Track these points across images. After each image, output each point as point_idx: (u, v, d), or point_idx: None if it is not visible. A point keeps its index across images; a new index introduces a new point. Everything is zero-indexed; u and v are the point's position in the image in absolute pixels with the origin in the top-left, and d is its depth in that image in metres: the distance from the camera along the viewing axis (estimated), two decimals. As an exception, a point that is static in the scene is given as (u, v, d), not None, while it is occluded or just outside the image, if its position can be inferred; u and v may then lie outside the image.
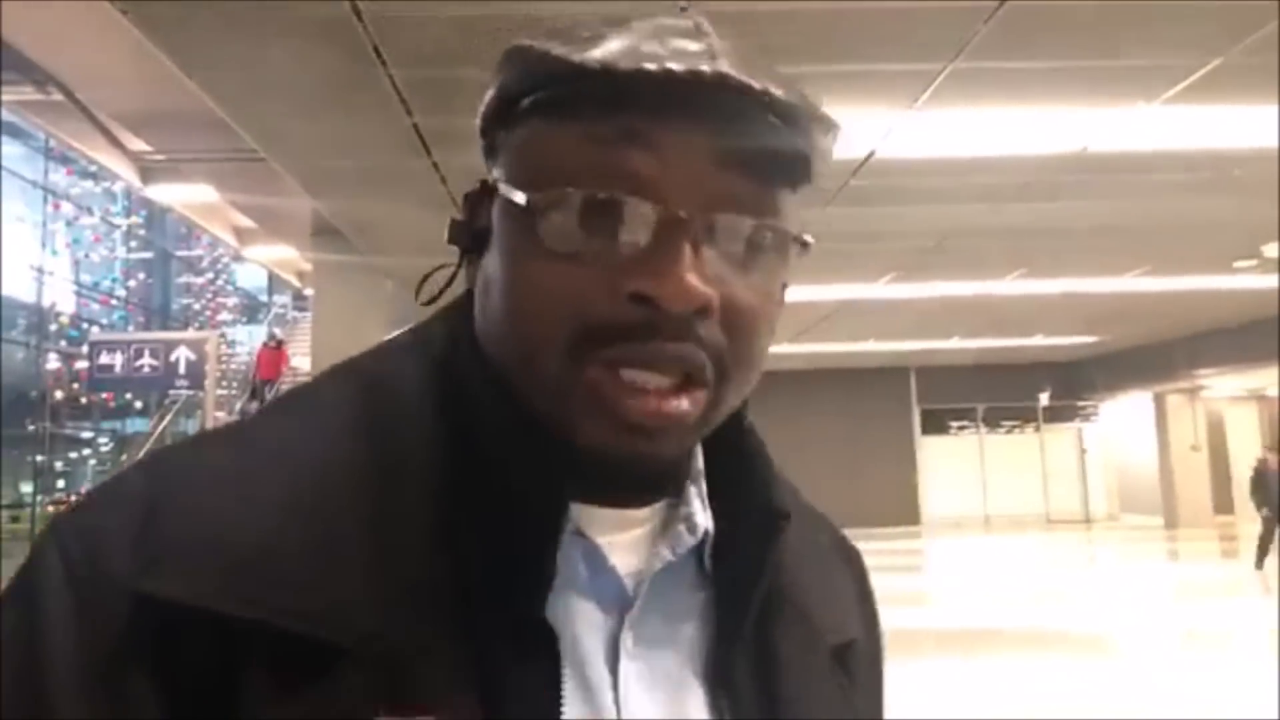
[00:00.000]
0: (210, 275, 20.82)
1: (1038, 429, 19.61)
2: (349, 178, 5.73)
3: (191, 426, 15.84)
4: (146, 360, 11.72)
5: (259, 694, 0.44)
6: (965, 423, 19.41)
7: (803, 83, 0.53)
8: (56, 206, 15.84)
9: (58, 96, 6.54)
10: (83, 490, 16.69)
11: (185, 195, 9.38)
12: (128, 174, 8.97)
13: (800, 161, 0.51)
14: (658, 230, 0.48)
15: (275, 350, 13.94)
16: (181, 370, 11.80)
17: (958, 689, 6.17)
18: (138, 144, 7.28)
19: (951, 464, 18.94)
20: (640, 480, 0.54)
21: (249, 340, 21.05)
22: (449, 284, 0.59)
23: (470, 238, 0.56)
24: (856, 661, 0.61)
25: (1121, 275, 9.23)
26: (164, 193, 9.40)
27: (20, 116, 8.35)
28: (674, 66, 0.47)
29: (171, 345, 12.03)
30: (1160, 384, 16.79)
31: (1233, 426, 19.64)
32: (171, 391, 13.64)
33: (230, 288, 21.64)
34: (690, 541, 0.54)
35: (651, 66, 0.47)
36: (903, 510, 17.86)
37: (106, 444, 18.23)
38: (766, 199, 0.50)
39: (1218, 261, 8.59)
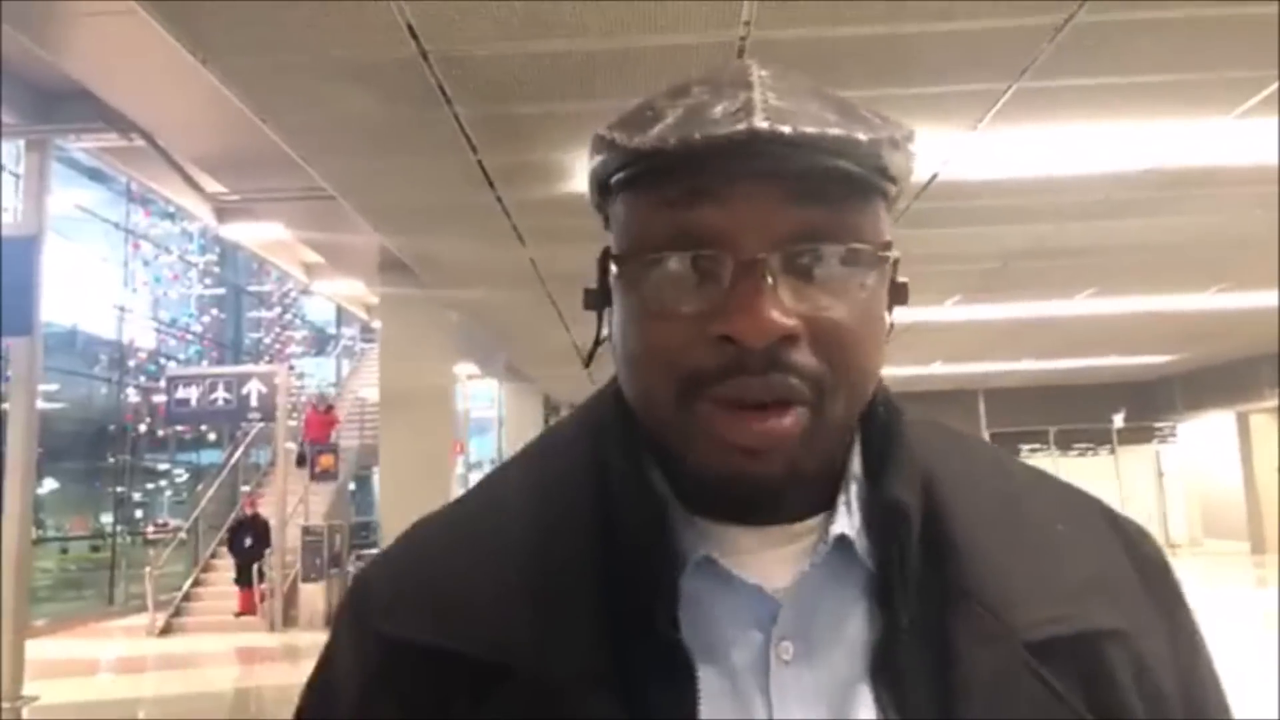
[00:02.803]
0: (280, 309, 21.37)
1: (1113, 451, 19.02)
2: (415, 214, 5.84)
3: (263, 457, 16.22)
4: (220, 393, 12.05)
5: (459, 706, 0.56)
6: (1037, 445, 18.89)
7: (867, 103, 0.56)
8: (136, 246, 16.45)
9: (140, 143, 6.80)
10: (159, 520, 17.18)
11: (257, 233, 9.67)
12: (204, 214, 9.28)
13: (861, 180, 0.55)
14: (734, 275, 0.53)
15: (325, 414, 14.10)
16: (253, 403, 12.12)
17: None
18: (214, 185, 7.53)
19: (1023, 488, 18.42)
20: (767, 497, 0.58)
21: (318, 372, 21.53)
22: (596, 343, 0.65)
23: (600, 300, 0.63)
24: (1119, 654, 0.57)
25: (1199, 292, 8.95)
26: (237, 231, 9.70)
27: (104, 162, 8.70)
28: (709, 133, 0.52)
29: (244, 379, 12.36)
30: (1243, 403, 16.19)
31: (1322, 447, 18.78)
32: (244, 423, 14.00)
33: (299, 321, 22.19)
34: (824, 549, 0.57)
35: (696, 135, 0.52)
36: (973, 536, 17.42)
37: (182, 475, 18.76)
38: (840, 221, 0.54)
39: (1301, 276, 8.28)
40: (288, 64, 3.69)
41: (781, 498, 0.58)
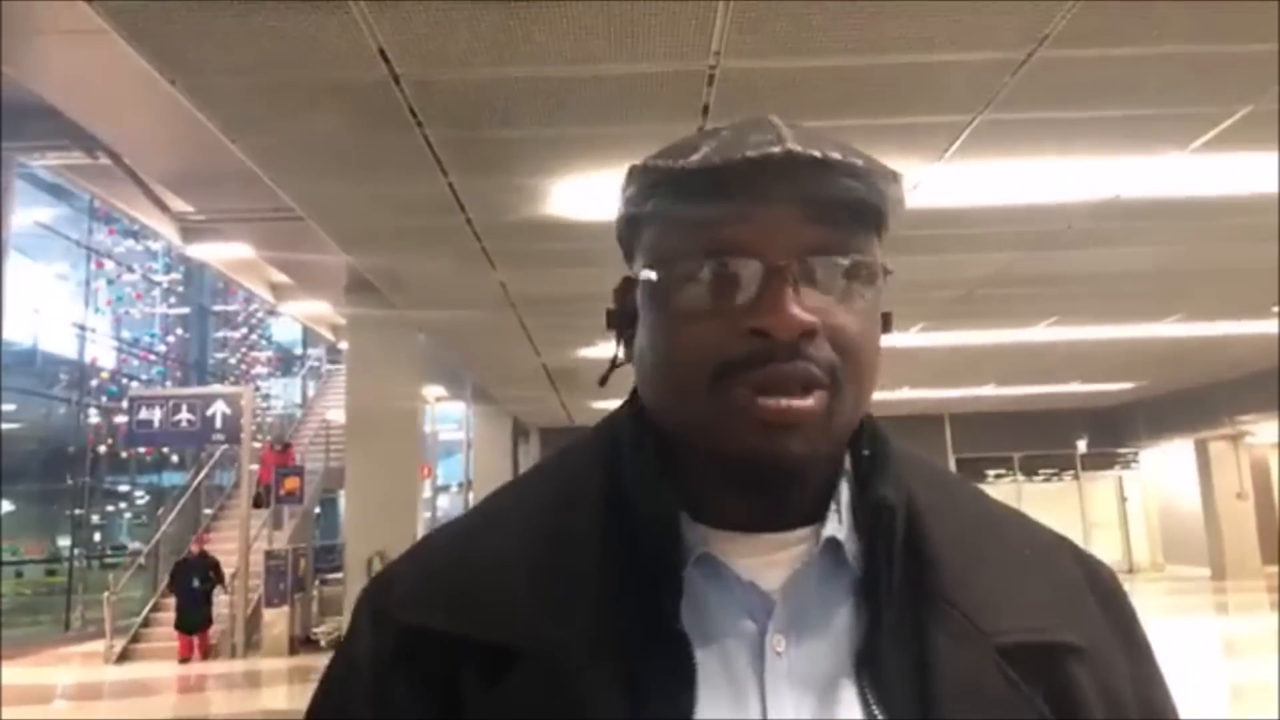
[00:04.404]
0: (246, 330, 21.16)
1: (1076, 477, 19.26)
2: (384, 235, 5.83)
3: (227, 479, 15.99)
4: (184, 415, 11.88)
5: (470, 688, 0.60)
6: (1002, 471, 19.10)
7: (834, 132, 0.63)
8: (99, 264, 16.23)
9: (105, 161, 6.74)
10: (120, 542, 16.85)
11: (223, 253, 9.58)
12: (169, 233, 9.19)
13: (867, 206, 0.63)
14: (763, 279, 0.61)
15: (282, 454, 13.56)
16: (218, 424, 11.95)
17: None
18: (180, 204, 7.47)
19: (988, 513, 18.56)
20: (783, 481, 0.63)
21: (284, 394, 21.30)
22: (614, 362, 0.73)
23: (621, 321, 0.71)
24: (1079, 668, 0.63)
25: (1158, 321, 9.12)
26: (203, 251, 9.61)
27: (67, 179, 8.60)
28: (750, 154, 0.60)
29: (209, 400, 12.19)
30: (1202, 430, 16.47)
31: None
32: (208, 445, 13.80)
33: (265, 341, 21.97)
34: (815, 550, 0.63)
35: (735, 156, 0.61)
36: (940, 561, 17.50)
37: (143, 497, 18.43)
38: (848, 240, 0.63)
39: (1255, 306, 8.48)
40: (258, 85, 3.69)
41: (788, 492, 0.64)
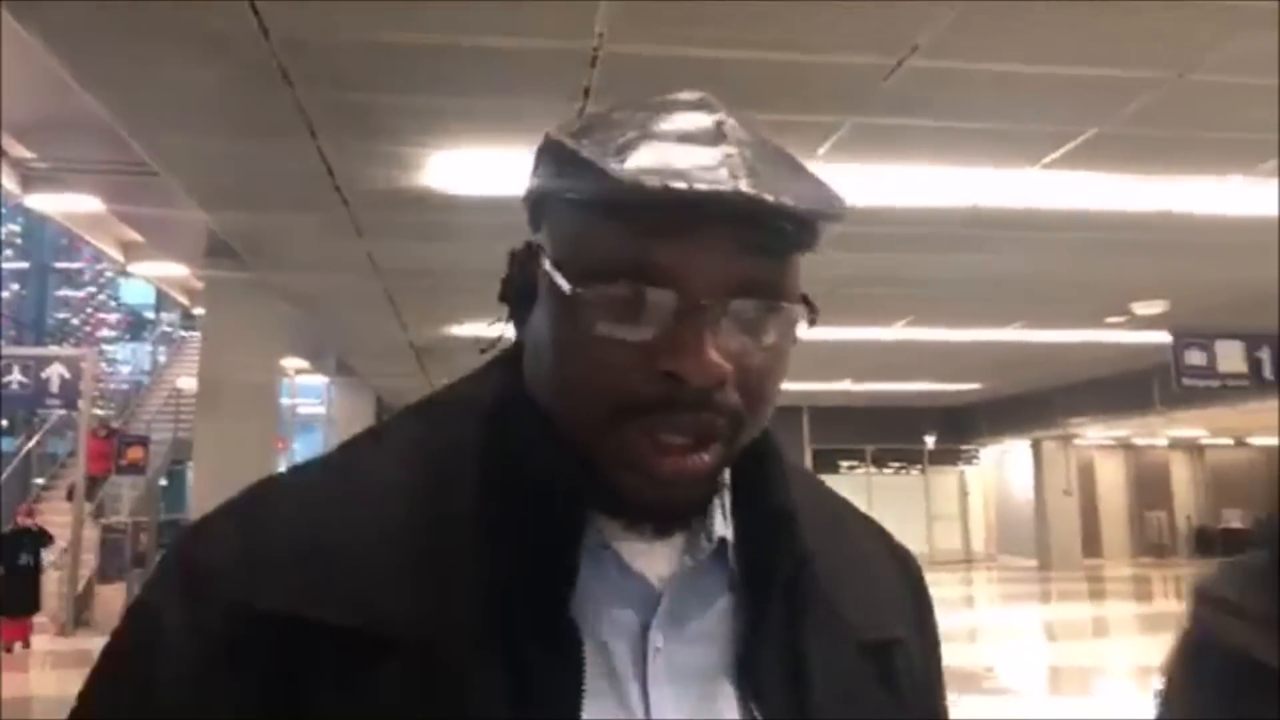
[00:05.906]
0: (92, 290, 19.91)
1: (923, 471, 20.26)
2: (247, 197, 5.58)
3: (62, 448, 15.00)
4: (15, 376, 11.08)
5: (323, 685, 0.53)
6: (855, 463, 19.90)
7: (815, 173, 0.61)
8: (-77, 210, 14.94)
9: (-67, 96, 6.19)
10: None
11: (69, 205, 8.94)
12: (7, 182, 8.51)
13: (803, 243, 0.60)
14: (682, 316, 0.56)
15: (105, 440, 12.53)
16: (54, 388, 11.20)
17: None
18: (20, 150, 6.93)
19: (841, 503, 19.31)
20: (668, 516, 0.61)
21: (133, 359, 20.14)
22: (499, 338, 0.67)
23: (518, 295, 0.63)
24: (902, 660, 0.66)
25: (1002, 327, 9.67)
26: (46, 202, 8.94)
27: (-112, 114, 7.86)
28: (700, 187, 0.53)
29: (44, 361, 11.43)
30: (1037, 431, 17.59)
31: (1101, 473, 20.70)
32: (41, 410, 12.91)
33: (114, 303, 20.72)
34: (708, 548, 0.62)
35: (680, 185, 0.53)
36: (794, 548, 18.09)
37: (-36, 464, 17.10)
38: (775, 280, 0.59)
39: (1091, 317, 9.11)
40: (112, 22, 3.46)
41: (672, 516, 0.62)
